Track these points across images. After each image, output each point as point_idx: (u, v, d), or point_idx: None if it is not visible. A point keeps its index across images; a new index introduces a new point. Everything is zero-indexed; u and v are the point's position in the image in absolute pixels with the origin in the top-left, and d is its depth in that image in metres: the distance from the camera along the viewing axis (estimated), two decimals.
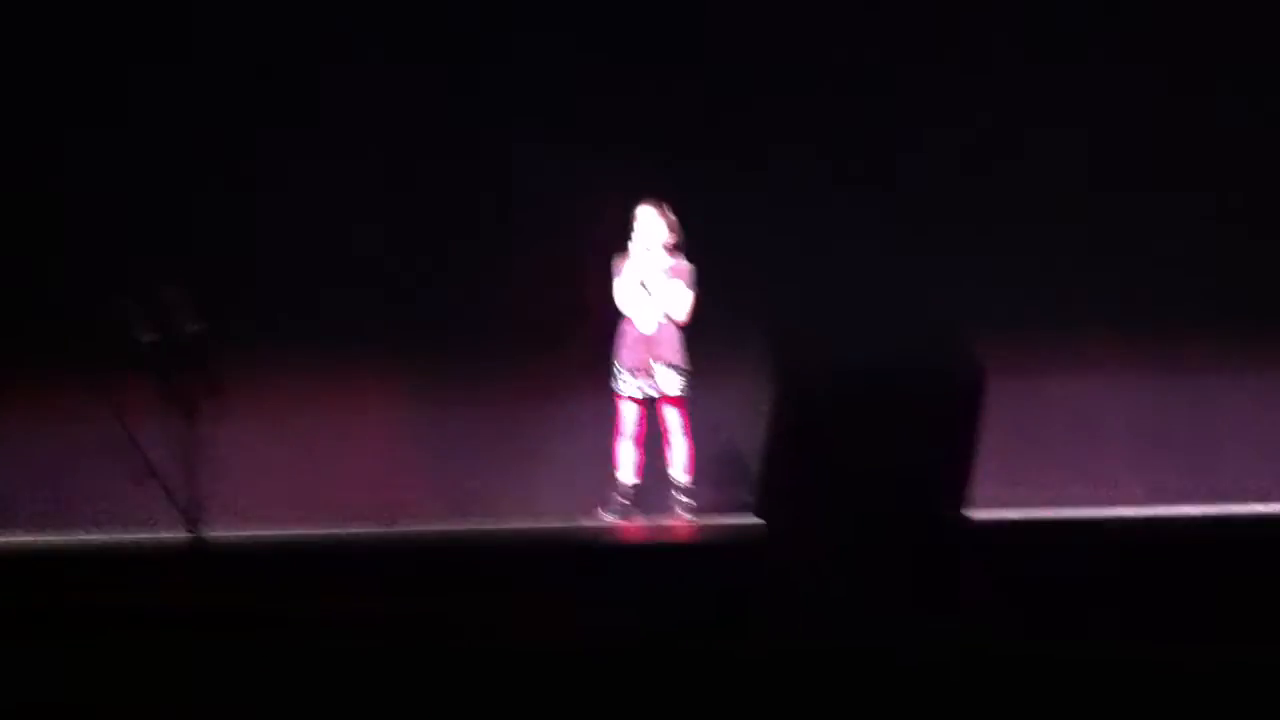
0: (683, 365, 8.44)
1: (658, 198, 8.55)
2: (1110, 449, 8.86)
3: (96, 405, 7.84)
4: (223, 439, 8.02)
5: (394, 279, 9.38)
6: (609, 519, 8.47)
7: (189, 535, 7.18)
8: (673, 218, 8.57)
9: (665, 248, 8.54)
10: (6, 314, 9.33)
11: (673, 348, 8.44)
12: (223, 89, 9.38)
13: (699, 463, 8.54)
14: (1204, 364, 8.79)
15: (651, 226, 8.52)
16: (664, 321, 8.46)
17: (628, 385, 8.45)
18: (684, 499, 8.48)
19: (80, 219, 9.34)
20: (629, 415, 8.47)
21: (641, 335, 8.44)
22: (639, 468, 8.52)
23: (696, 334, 8.57)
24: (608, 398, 8.60)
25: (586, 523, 8.49)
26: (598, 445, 8.81)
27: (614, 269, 8.55)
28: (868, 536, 5.14)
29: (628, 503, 8.52)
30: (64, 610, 4.97)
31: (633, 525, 8.32)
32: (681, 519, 8.39)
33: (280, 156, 9.28)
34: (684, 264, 8.52)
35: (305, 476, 9.16)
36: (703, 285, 8.55)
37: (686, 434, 8.47)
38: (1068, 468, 8.83)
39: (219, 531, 7.42)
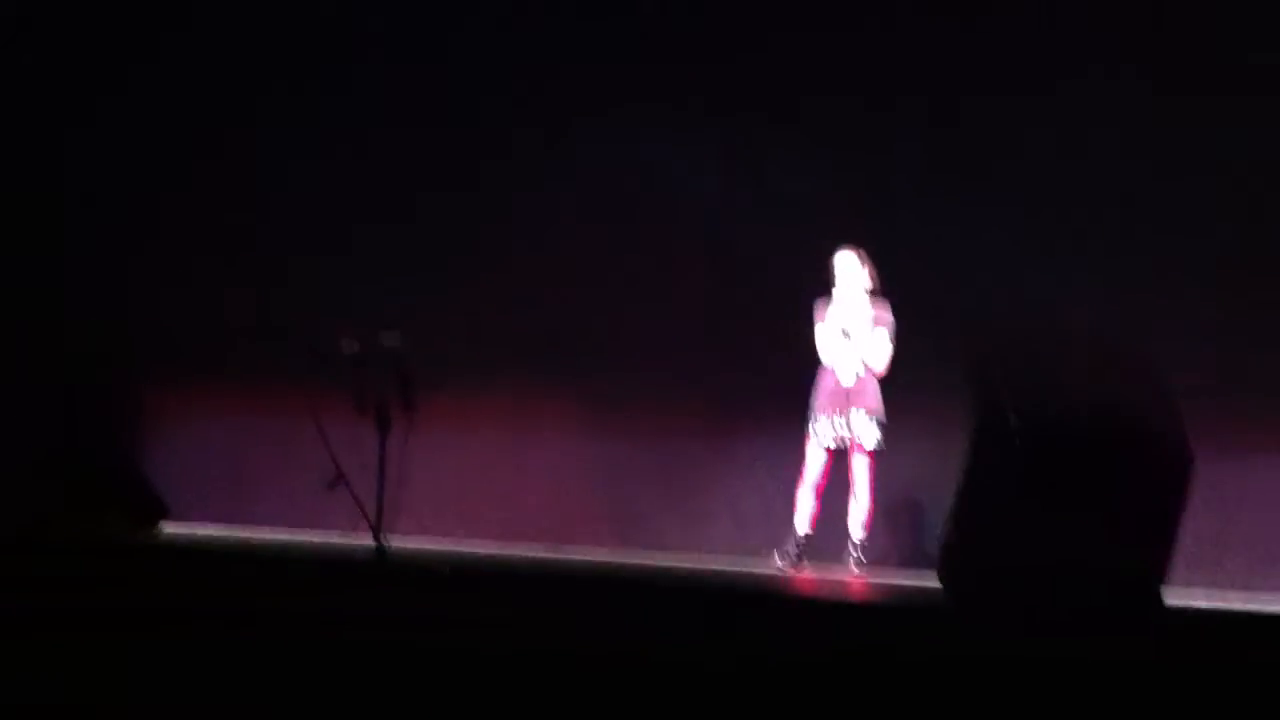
0: (880, 417, 8.41)
1: (858, 244, 8.54)
2: None
3: (296, 409, 8.03)
4: (407, 452, 8.17)
5: (586, 302, 9.49)
6: (782, 566, 8.46)
7: (372, 542, 7.35)
8: (872, 265, 8.54)
9: (866, 294, 8.54)
10: (221, 317, 9.64)
11: (872, 398, 8.41)
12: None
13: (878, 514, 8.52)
14: None
15: (853, 272, 8.51)
16: (863, 372, 8.44)
17: (823, 434, 8.45)
18: (858, 554, 8.46)
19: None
20: (816, 464, 8.42)
21: (840, 384, 8.43)
22: (815, 518, 8.52)
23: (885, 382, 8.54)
24: (791, 442, 8.59)
25: (759, 568, 8.49)
26: (774, 488, 8.81)
27: (815, 313, 8.50)
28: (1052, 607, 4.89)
29: (800, 552, 8.51)
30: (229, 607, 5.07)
31: (804, 575, 8.30)
32: (854, 574, 8.36)
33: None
34: (886, 314, 8.48)
35: (479, 494, 9.32)
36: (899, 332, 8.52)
37: (872, 488, 8.42)
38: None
39: (397, 540, 7.57)
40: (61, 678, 3.83)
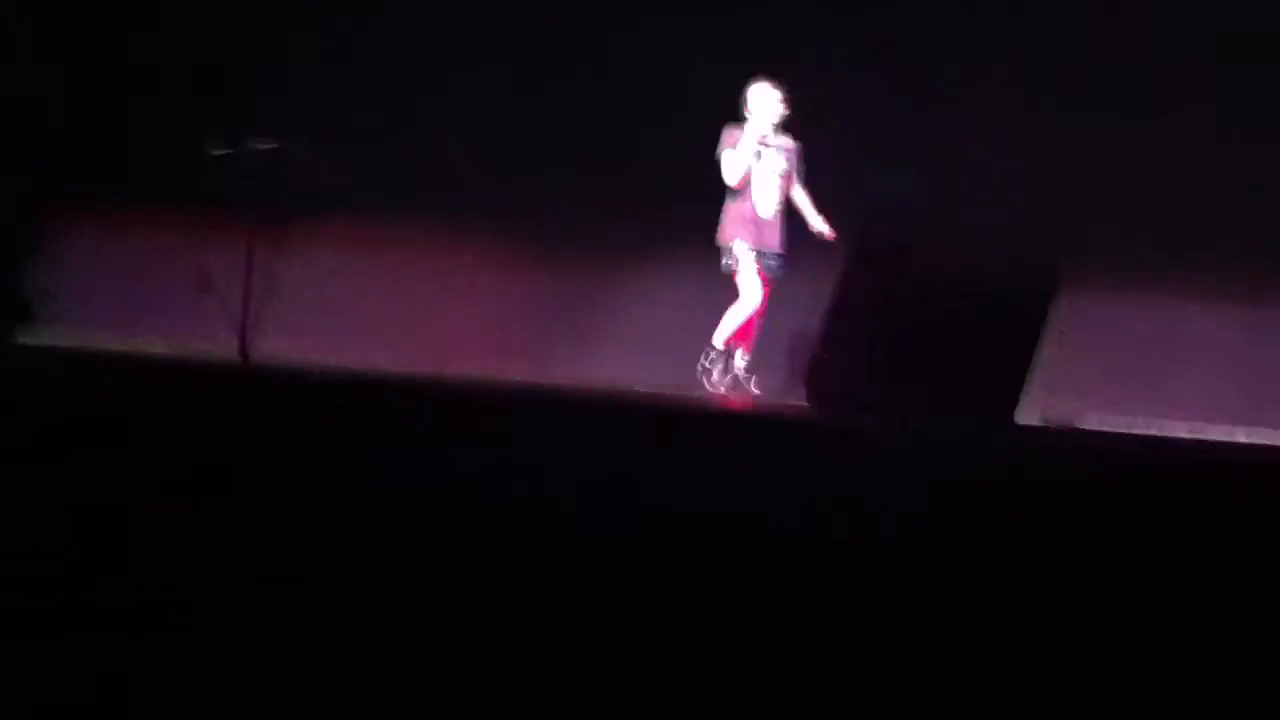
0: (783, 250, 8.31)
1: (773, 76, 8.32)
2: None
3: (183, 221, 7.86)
4: (280, 266, 8.04)
5: (481, 126, 9.29)
6: (723, 389, 8.28)
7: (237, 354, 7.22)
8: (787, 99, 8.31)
9: (774, 126, 8.34)
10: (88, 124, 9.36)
11: (781, 230, 8.31)
12: None
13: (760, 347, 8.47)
14: None
15: (769, 103, 8.30)
16: (778, 205, 8.29)
17: (746, 260, 8.22)
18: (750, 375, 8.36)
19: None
20: (757, 289, 8.23)
21: (758, 214, 8.24)
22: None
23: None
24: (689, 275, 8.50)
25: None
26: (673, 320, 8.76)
27: (725, 139, 8.26)
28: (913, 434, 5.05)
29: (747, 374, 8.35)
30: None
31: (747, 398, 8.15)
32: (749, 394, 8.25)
33: None
34: (792, 142, 8.32)
35: (357, 314, 9.17)
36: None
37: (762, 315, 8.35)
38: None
39: (265, 353, 7.43)
40: None
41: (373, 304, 9.26)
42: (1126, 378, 8.56)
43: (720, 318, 8.32)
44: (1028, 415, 6.47)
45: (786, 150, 8.37)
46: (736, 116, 8.29)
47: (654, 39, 8.86)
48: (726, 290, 8.34)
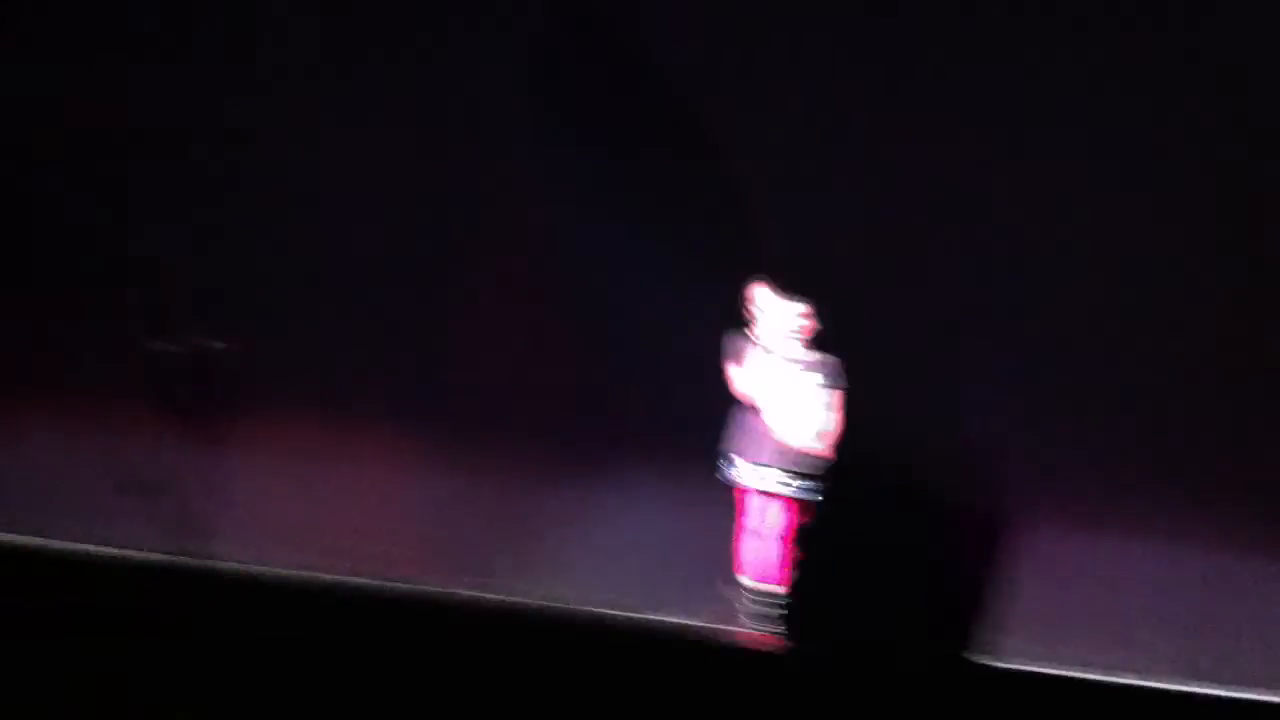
0: (808, 467, 7.64)
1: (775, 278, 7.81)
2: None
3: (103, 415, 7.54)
4: (222, 465, 7.69)
5: (428, 332, 8.99)
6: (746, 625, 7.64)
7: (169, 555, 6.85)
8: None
9: (802, 341, 7.77)
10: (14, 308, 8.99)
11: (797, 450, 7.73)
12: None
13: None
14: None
15: (781, 312, 7.74)
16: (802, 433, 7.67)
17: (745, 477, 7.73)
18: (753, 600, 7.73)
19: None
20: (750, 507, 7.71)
21: (768, 429, 7.70)
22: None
23: None
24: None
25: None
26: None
27: (731, 352, 7.78)
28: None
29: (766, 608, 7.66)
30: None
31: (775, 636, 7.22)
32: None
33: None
34: (828, 357, 7.74)
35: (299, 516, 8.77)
36: None
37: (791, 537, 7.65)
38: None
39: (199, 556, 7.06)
40: None
41: (314, 508, 8.87)
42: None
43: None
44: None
45: (821, 366, 7.74)
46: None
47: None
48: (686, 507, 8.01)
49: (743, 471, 7.73)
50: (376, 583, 7.59)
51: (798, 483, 7.62)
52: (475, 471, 8.78)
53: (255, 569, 7.44)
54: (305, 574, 7.47)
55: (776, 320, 7.75)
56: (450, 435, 8.84)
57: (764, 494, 7.70)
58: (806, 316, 7.77)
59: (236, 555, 7.64)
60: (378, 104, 8.91)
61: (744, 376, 7.74)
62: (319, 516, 8.72)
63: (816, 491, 7.42)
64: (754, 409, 7.74)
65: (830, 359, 7.77)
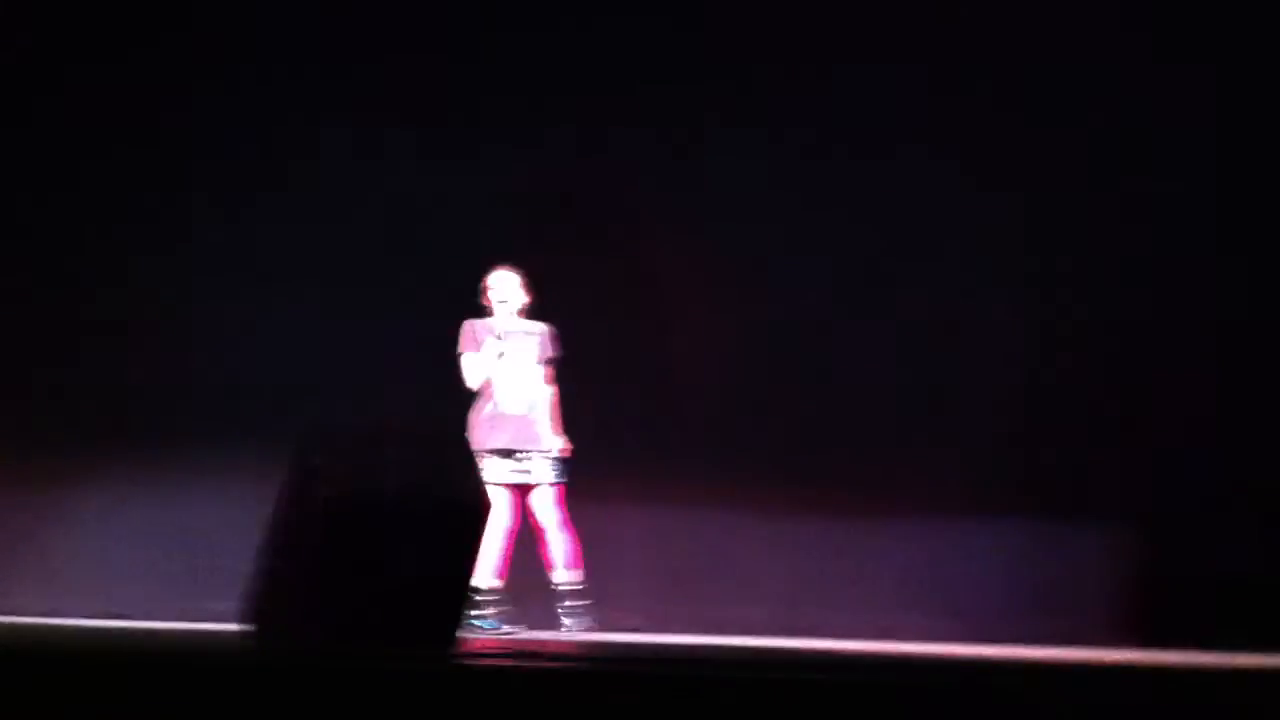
0: (559, 444, 7.60)
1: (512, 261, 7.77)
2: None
3: None
4: None
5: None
6: (482, 629, 7.37)
7: None
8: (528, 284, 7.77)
9: (519, 312, 7.71)
10: None
11: (547, 426, 7.61)
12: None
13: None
14: None
15: (510, 290, 7.69)
16: (535, 402, 7.60)
17: (497, 472, 7.44)
18: (573, 603, 7.51)
19: None
20: (501, 506, 7.42)
21: (505, 412, 7.54)
22: (505, 568, 7.50)
23: None
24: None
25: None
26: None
27: (464, 337, 7.63)
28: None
29: (496, 609, 7.47)
30: None
31: (509, 639, 7.02)
32: (577, 632, 7.41)
33: None
34: (542, 326, 7.70)
35: None
36: None
37: (567, 520, 7.55)
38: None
39: None
40: None
41: None
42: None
43: None
44: None
45: (537, 336, 7.67)
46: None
47: None
48: None
49: (500, 467, 7.50)
50: None
51: (555, 467, 7.58)
52: None
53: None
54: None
55: (503, 298, 7.70)
56: None
57: (524, 486, 7.57)
58: (524, 287, 7.73)
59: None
60: None
61: (477, 364, 7.60)
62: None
63: (565, 473, 7.56)
64: (495, 399, 7.60)
65: (546, 328, 7.76)
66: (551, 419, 7.64)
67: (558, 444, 7.59)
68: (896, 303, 8.69)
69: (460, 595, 5.58)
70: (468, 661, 4.77)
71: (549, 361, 7.69)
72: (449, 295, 7.80)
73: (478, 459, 7.00)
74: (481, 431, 7.52)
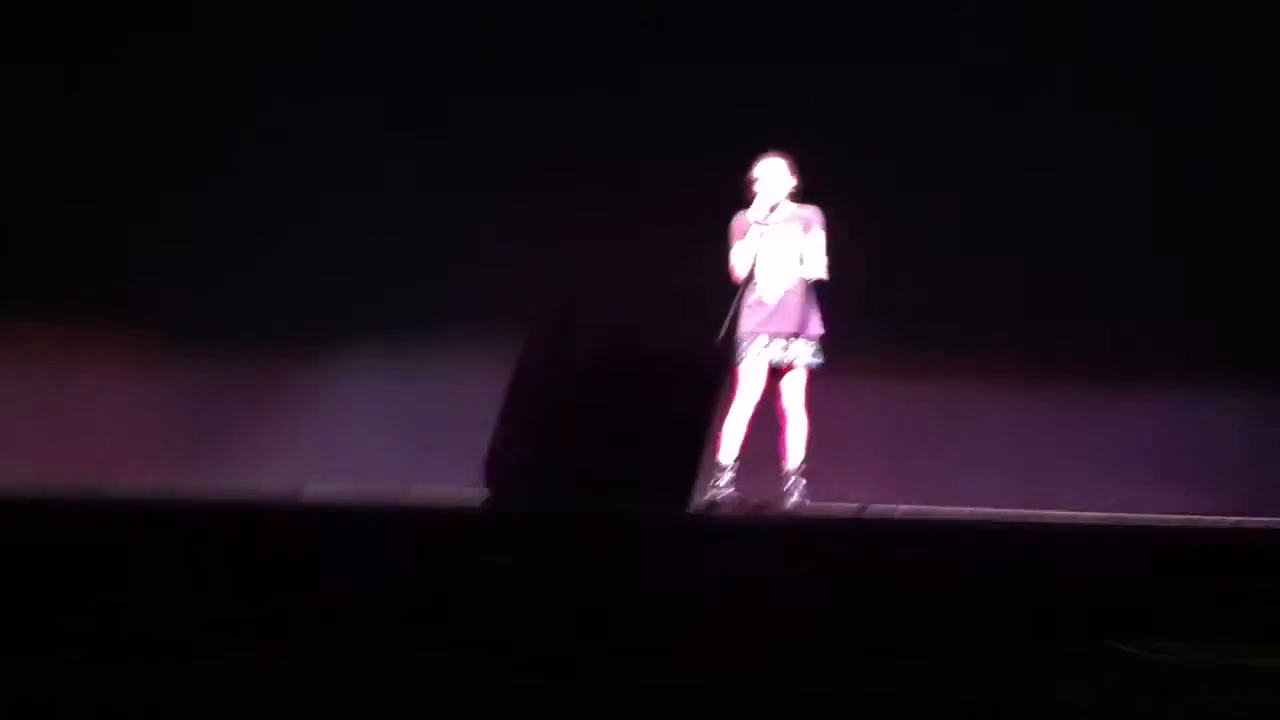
0: (817, 330, 7.73)
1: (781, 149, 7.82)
2: None
3: None
4: None
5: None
6: (716, 501, 7.62)
7: None
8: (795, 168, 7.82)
9: (790, 200, 7.79)
10: None
11: (807, 312, 7.76)
12: None
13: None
14: None
15: (776, 176, 7.77)
16: (794, 285, 7.73)
17: (755, 355, 7.66)
18: (796, 484, 7.69)
19: None
20: (753, 387, 7.66)
21: (767, 301, 7.72)
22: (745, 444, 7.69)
23: None
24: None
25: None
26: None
27: (734, 229, 7.76)
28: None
29: (730, 482, 7.68)
30: None
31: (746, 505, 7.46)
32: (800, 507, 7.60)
33: None
34: (818, 217, 7.77)
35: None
36: None
37: (809, 409, 7.69)
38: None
39: None
40: None
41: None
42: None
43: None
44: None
45: (802, 220, 7.74)
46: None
47: None
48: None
49: (760, 349, 7.67)
50: None
51: (813, 350, 7.72)
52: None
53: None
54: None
55: (768, 185, 7.78)
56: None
57: (781, 368, 7.71)
58: (790, 171, 7.80)
59: None
60: None
61: (744, 254, 7.73)
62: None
63: (816, 354, 7.71)
64: (758, 285, 7.73)
65: (812, 211, 7.82)
66: (812, 303, 7.74)
67: (818, 328, 7.72)
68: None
69: (697, 463, 5.76)
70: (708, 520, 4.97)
71: (814, 245, 7.76)
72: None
73: (742, 341, 7.42)
74: (746, 316, 7.70)
